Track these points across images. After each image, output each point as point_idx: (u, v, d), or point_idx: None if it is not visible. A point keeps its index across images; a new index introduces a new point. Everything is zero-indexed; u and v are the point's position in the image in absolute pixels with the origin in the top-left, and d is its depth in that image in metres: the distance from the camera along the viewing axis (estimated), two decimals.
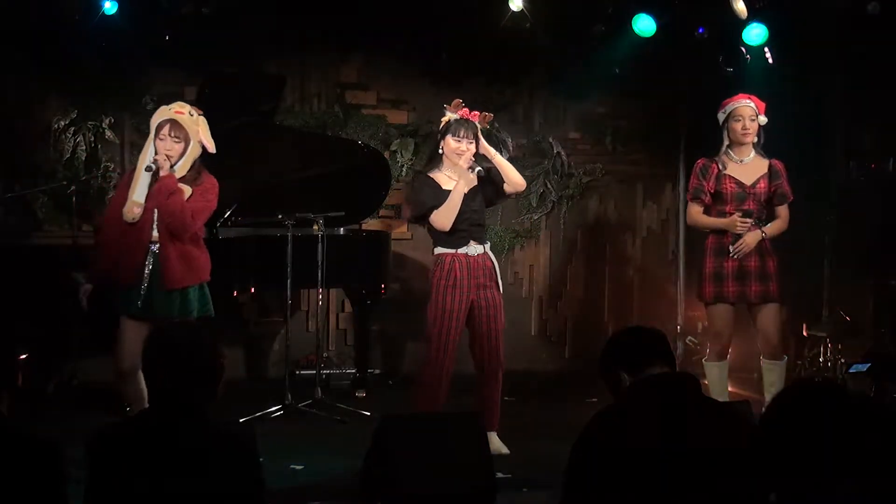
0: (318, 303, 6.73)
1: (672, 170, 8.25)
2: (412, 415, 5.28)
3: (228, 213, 6.37)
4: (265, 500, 2.92)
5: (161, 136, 5.07)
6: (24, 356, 6.04)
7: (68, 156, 7.24)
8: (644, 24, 7.17)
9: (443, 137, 5.42)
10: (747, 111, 5.76)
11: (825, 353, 7.10)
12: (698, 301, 6.21)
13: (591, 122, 8.21)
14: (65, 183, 6.95)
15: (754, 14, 6.93)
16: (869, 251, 7.08)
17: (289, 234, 6.19)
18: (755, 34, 7.03)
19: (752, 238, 5.73)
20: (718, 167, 5.81)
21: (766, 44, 7.08)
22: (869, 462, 2.24)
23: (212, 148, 5.14)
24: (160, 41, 6.86)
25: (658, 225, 8.38)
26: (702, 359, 7.58)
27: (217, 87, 6.27)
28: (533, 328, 8.19)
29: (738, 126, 5.77)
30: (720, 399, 5.65)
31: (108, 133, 7.31)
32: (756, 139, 5.82)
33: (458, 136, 5.35)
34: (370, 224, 7.53)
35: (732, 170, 5.80)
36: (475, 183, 5.43)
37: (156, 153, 5.08)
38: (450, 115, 5.41)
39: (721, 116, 5.84)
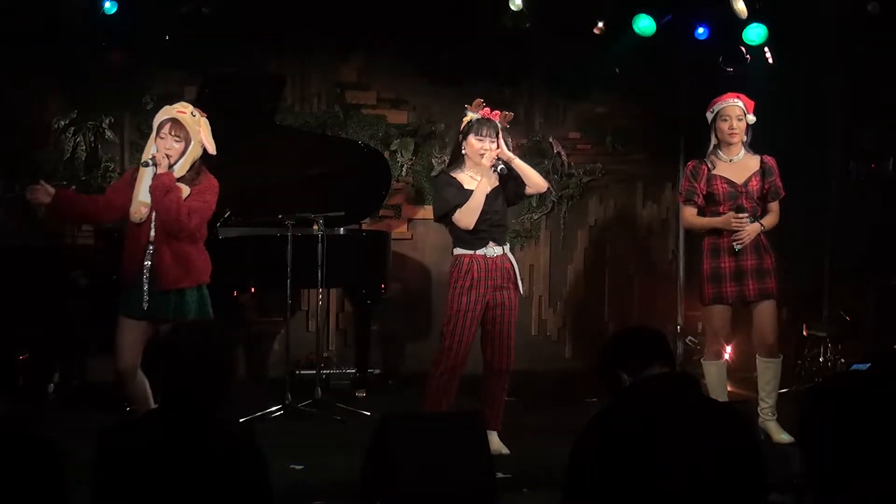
0: (318, 303, 6.73)
1: (672, 170, 8.25)
2: (412, 415, 5.28)
3: (228, 213, 6.36)
4: None
5: (162, 135, 5.07)
6: (24, 356, 6.05)
7: (68, 156, 7.25)
8: (644, 24, 7.17)
9: (465, 137, 5.43)
10: (734, 111, 5.75)
11: (825, 353, 7.10)
12: (699, 302, 6.20)
13: (591, 122, 8.21)
14: (65, 183, 6.94)
15: (754, 14, 6.94)
16: (869, 251, 7.08)
17: (289, 234, 6.19)
18: (755, 34, 7.03)
19: (751, 228, 5.73)
20: (708, 168, 5.80)
21: (766, 44, 7.09)
22: None
23: (212, 149, 5.14)
24: (160, 41, 6.86)
25: (658, 225, 8.38)
26: (701, 358, 7.60)
27: (217, 87, 6.27)
28: (533, 328, 8.19)
29: (725, 126, 5.77)
30: (720, 399, 5.66)
31: (108, 133, 7.31)
32: (744, 138, 5.81)
33: (481, 136, 5.36)
34: (370, 224, 7.53)
35: (722, 169, 5.79)
36: (497, 183, 5.44)
37: (156, 151, 5.09)
38: (471, 115, 5.43)
39: (709, 116, 5.84)
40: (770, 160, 5.83)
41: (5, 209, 7.05)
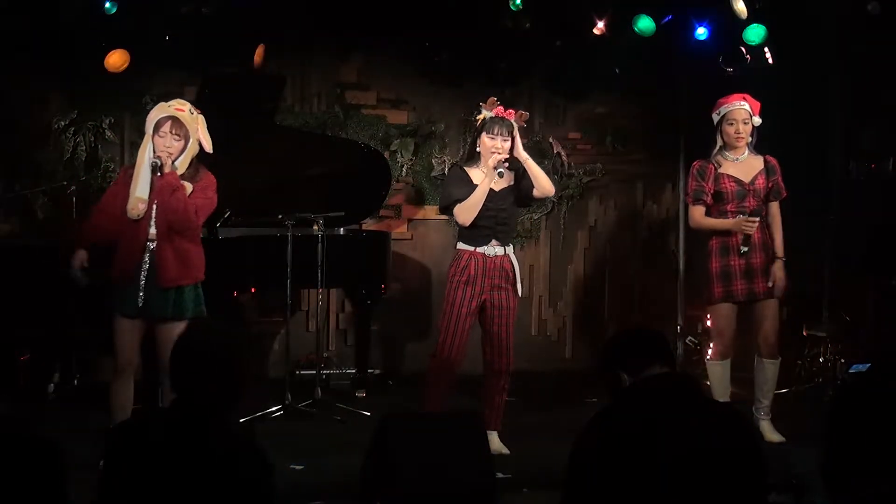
0: (318, 303, 6.73)
1: (672, 170, 8.26)
2: (412, 415, 5.29)
3: (228, 213, 6.37)
4: None
5: (161, 133, 5.05)
6: (24, 356, 6.05)
7: (68, 156, 7.24)
8: (644, 24, 7.17)
9: (479, 135, 5.46)
10: (741, 114, 5.74)
11: (825, 353, 7.10)
12: (701, 301, 6.20)
13: (591, 122, 8.21)
14: (65, 183, 6.94)
15: (754, 14, 6.93)
16: (869, 251, 7.08)
17: (289, 234, 6.19)
18: (755, 34, 7.03)
19: (776, 267, 5.79)
20: (715, 167, 5.80)
21: (766, 44, 7.08)
22: None
23: (209, 147, 5.13)
24: (160, 41, 6.86)
25: (658, 225, 8.38)
26: (702, 358, 7.58)
27: (217, 87, 6.27)
28: (533, 328, 8.19)
29: (732, 130, 5.76)
30: (721, 399, 5.67)
31: (108, 133, 7.31)
32: (750, 139, 5.81)
33: (493, 134, 5.39)
34: (370, 224, 7.53)
35: (729, 168, 5.80)
36: (510, 182, 5.44)
37: (154, 150, 5.07)
38: (485, 113, 5.45)
39: (715, 117, 5.83)
40: (773, 160, 5.84)
41: (5, 209, 7.07)
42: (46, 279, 6.23)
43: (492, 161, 5.35)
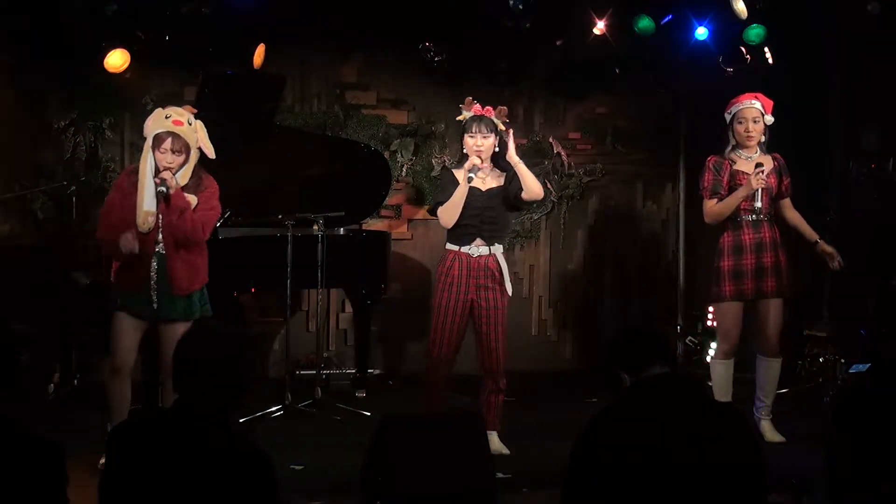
0: (318, 303, 6.73)
1: (672, 170, 8.26)
2: (412, 415, 5.31)
3: (228, 213, 6.36)
4: None
5: (162, 150, 4.98)
6: (24, 356, 6.04)
7: (68, 156, 7.24)
8: (644, 24, 7.17)
9: (462, 136, 5.49)
10: (750, 113, 5.74)
11: (825, 353, 7.10)
12: (708, 299, 6.18)
13: (591, 122, 8.21)
14: (65, 183, 6.94)
15: (754, 14, 6.93)
16: (869, 251, 7.08)
17: (289, 234, 6.19)
18: (755, 34, 7.03)
19: (827, 249, 5.89)
20: (730, 163, 5.80)
21: (766, 44, 7.08)
22: None
23: (212, 154, 5.09)
24: (160, 41, 6.85)
25: (658, 225, 8.38)
26: (703, 358, 7.59)
27: (217, 87, 6.27)
28: (533, 328, 8.19)
29: (742, 129, 5.76)
30: (724, 399, 5.68)
31: (108, 133, 7.31)
32: (762, 139, 5.81)
33: (472, 133, 5.42)
34: (370, 224, 7.53)
35: (742, 165, 5.80)
36: (500, 182, 5.46)
37: (156, 165, 4.99)
38: (465, 114, 5.49)
39: (727, 116, 5.83)
40: (781, 158, 5.85)
41: (5, 209, 7.07)
42: (46, 279, 6.25)
43: (467, 164, 5.38)
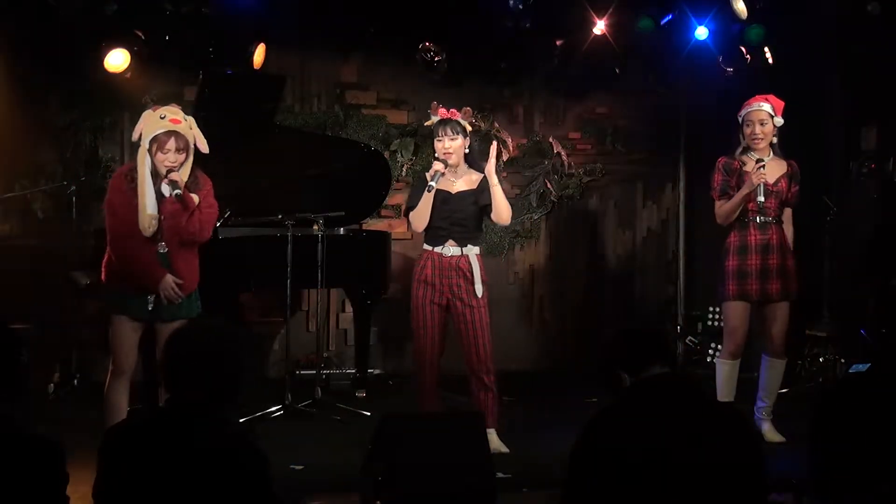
0: (318, 303, 6.72)
1: (672, 170, 8.26)
2: (412, 415, 5.30)
3: (228, 213, 6.36)
4: None
5: (165, 150, 4.90)
6: (24, 356, 6.03)
7: (68, 156, 7.25)
8: (644, 24, 7.17)
9: (433, 142, 5.53)
10: (758, 115, 5.73)
11: (825, 353, 7.10)
12: (719, 299, 6.16)
13: (591, 122, 8.22)
14: (65, 183, 6.94)
15: (754, 14, 6.93)
16: (869, 251, 7.08)
17: (289, 234, 6.19)
18: (755, 34, 7.03)
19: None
20: (740, 164, 5.79)
21: (766, 44, 7.08)
22: None
23: (205, 148, 5.03)
24: (160, 41, 6.85)
25: (658, 225, 8.38)
26: (703, 358, 7.59)
27: (217, 87, 6.27)
28: (533, 328, 8.19)
29: (749, 131, 5.76)
30: (727, 399, 5.68)
31: (108, 133, 7.32)
32: (773, 140, 5.80)
33: (440, 136, 5.48)
34: (370, 224, 7.53)
35: (751, 167, 5.78)
36: (472, 186, 5.46)
37: (155, 167, 4.93)
38: (433, 119, 5.56)
39: (739, 118, 5.83)
40: (796, 165, 5.83)
41: (5, 209, 7.07)
42: (46, 279, 6.25)
43: (430, 171, 5.42)
